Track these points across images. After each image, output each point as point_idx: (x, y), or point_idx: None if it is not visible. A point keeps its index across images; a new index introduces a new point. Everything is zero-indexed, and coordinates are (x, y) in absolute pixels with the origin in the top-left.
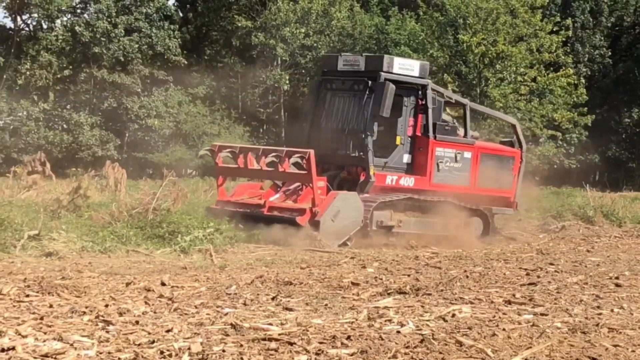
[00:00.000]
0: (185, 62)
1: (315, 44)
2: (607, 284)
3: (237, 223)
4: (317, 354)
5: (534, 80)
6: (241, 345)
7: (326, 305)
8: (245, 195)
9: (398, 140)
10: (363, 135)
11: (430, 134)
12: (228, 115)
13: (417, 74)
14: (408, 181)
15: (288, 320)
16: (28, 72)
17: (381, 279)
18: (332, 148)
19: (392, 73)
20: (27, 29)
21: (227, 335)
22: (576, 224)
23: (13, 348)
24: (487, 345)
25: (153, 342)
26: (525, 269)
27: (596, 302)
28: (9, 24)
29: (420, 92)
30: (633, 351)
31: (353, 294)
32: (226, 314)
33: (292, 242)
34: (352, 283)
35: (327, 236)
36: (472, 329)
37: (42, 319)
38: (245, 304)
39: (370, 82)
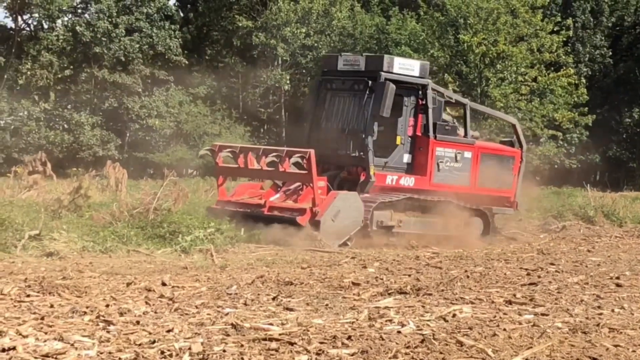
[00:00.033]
0: (186, 62)
1: (316, 44)
2: (607, 284)
3: (237, 223)
4: (317, 354)
5: (534, 80)
6: (242, 345)
7: (327, 305)
8: (246, 195)
9: (398, 140)
10: (363, 135)
11: (431, 133)
12: (229, 115)
13: (417, 74)
14: (408, 181)
15: (289, 320)
16: (29, 72)
17: (382, 279)
18: (332, 148)
19: (392, 73)
20: (28, 28)
21: (228, 335)
22: (577, 224)
23: (14, 348)
24: (487, 345)
25: (154, 342)
26: (526, 269)
27: (597, 302)
28: (9, 23)
29: (420, 92)
30: (634, 351)
31: (354, 294)
32: (227, 314)
33: (292, 242)
34: (353, 283)
35: (328, 236)
36: (472, 329)
37: (42, 319)
38: (245, 304)
39: (370, 82)
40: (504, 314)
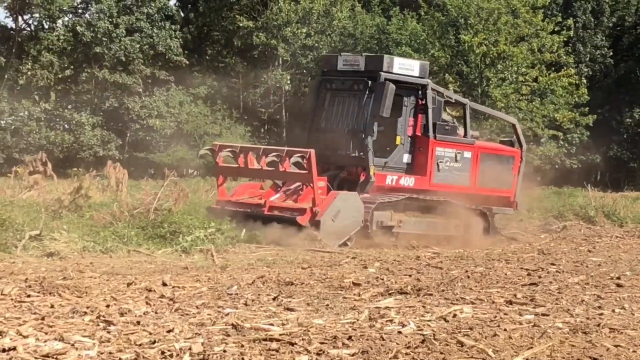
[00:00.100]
0: (187, 62)
1: (316, 44)
2: (608, 284)
3: (237, 223)
4: (318, 354)
5: (535, 80)
6: (242, 346)
7: (327, 305)
8: (246, 195)
9: (398, 140)
10: (363, 135)
11: (430, 133)
12: (229, 116)
13: (417, 74)
14: (408, 181)
15: (289, 320)
16: (29, 72)
17: (382, 279)
18: (332, 148)
19: (392, 73)
20: (28, 29)
21: (228, 335)
22: (577, 224)
23: (14, 348)
24: (488, 345)
25: (154, 342)
26: (527, 269)
27: (597, 302)
28: (10, 24)
29: (420, 92)
30: (634, 351)
31: (354, 294)
32: (227, 314)
33: (292, 242)
34: (354, 283)
35: (328, 236)
36: (473, 329)
37: (43, 319)
38: (246, 304)
39: (370, 82)
40: (505, 314)
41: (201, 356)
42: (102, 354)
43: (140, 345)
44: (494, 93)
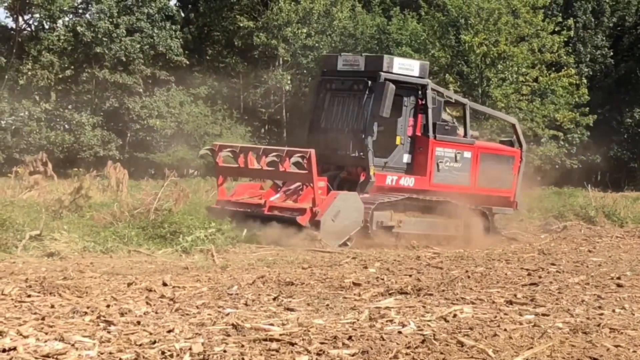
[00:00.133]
0: (187, 63)
1: (317, 44)
2: (608, 284)
3: (237, 223)
4: (318, 354)
5: (535, 80)
6: (242, 346)
7: (327, 305)
8: (246, 195)
9: (398, 140)
10: (363, 136)
11: (430, 133)
12: (230, 116)
13: (417, 74)
14: (408, 181)
15: (289, 320)
16: (30, 72)
17: (383, 279)
18: (332, 148)
19: (391, 73)
20: (28, 29)
21: (229, 335)
22: (578, 224)
23: (14, 348)
24: (488, 345)
25: (154, 342)
26: (527, 269)
27: (598, 302)
28: (10, 24)
29: (420, 92)
30: (634, 352)
31: (354, 294)
32: (227, 314)
33: (293, 242)
34: (354, 283)
35: (328, 236)
36: (473, 329)
37: (43, 319)
38: (246, 304)
39: (370, 82)
40: (505, 314)
41: (201, 356)
42: (102, 354)
43: (140, 345)
44: (494, 93)
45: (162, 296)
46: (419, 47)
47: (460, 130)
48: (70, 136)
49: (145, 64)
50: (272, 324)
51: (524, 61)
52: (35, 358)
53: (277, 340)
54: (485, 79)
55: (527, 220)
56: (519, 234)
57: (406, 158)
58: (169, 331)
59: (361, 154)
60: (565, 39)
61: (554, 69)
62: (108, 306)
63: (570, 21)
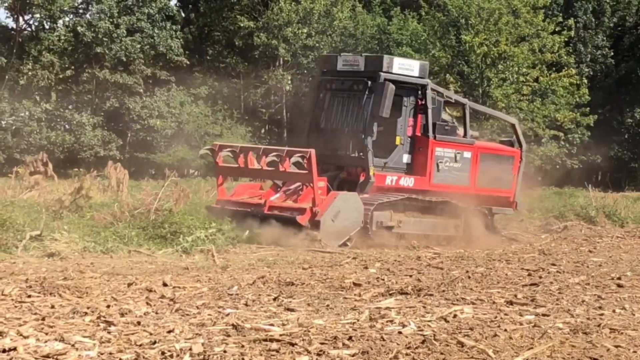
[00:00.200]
0: (188, 63)
1: (317, 44)
2: (609, 284)
3: (237, 223)
4: (318, 354)
5: (536, 80)
6: (242, 346)
7: (328, 305)
8: (245, 195)
9: (398, 140)
10: (363, 136)
11: (430, 134)
12: (230, 116)
13: (416, 74)
14: (408, 181)
15: (289, 320)
16: (30, 73)
17: (383, 280)
18: (331, 148)
19: (391, 73)
20: (29, 29)
21: (229, 335)
22: (578, 224)
23: (14, 349)
24: (488, 345)
25: (154, 342)
26: (527, 270)
27: (598, 302)
28: (11, 24)
29: (420, 92)
30: (634, 352)
31: (355, 295)
32: (228, 315)
33: (293, 242)
34: (354, 283)
35: (327, 236)
36: (473, 329)
37: (43, 319)
38: (246, 305)
39: (369, 83)
40: (505, 314)
41: (201, 356)
42: (102, 354)
43: (140, 345)
44: (494, 93)
45: (163, 296)
46: (419, 47)
47: (460, 131)
48: (71, 136)
49: (146, 64)
50: (272, 324)
51: (524, 61)
52: (35, 358)
53: (277, 340)
54: (485, 79)
55: (527, 221)
56: (520, 234)
57: (406, 158)
58: (169, 331)
59: (361, 154)
60: (566, 39)
61: (554, 69)
62: (108, 306)
63: (571, 21)
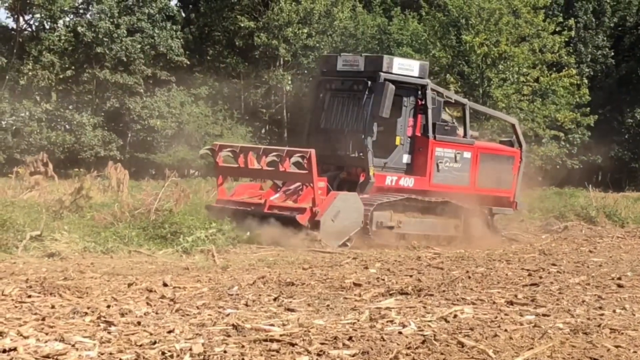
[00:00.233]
0: (188, 63)
1: (317, 45)
2: (609, 284)
3: (237, 223)
4: (318, 354)
5: (536, 80)
6: (243, 346)
7: (328, 306)
8: (245, 195)
9: (398, 140)
10: (362, 136)
11: (430, 134)
12: (230, 116)
13: (416, 74)
14: (408, 181)
15: (290, 321)
16: (30, 73)
17: (383, 280)
18: (331, 148)
19: (391, 73)
20: (29, 29)
21: (229, 336)
22: (579, 224)
23: (15, 349)
24: (488, 346)
25: (155, 342)
26: (528, 270)
27: (598, 302)
28: (11, 24)
29: (419, 92)
30: (635, 352)
31: (355, 295)
32: (228, 315)
33: (293, 242)
34: (354, 284)
35: (327, 236)
36: (474, 329)
37: (43, 319)
38: (247, 305)
39: (369, 83)
40: (505, 314)
41: (202, 357)
42: (102, 354)
43: (140, 345)
44: (495, 93)
45: (163, 297)
46: (419, 47)
47: (460, 131)
48: (71, 136)
49: (146, 64)
50: (272, 325)
51: (524, 61)
52: (36, 358)
53: (278, 340)
54: (486, 79)
55: (527, 221)
56: (520, 234)
57: (406, 158)
58: (170, 331)
59: (361, 154)
60: (566, 39)
61: (554, 69)
62: (108, 306)
63: (571, 21)
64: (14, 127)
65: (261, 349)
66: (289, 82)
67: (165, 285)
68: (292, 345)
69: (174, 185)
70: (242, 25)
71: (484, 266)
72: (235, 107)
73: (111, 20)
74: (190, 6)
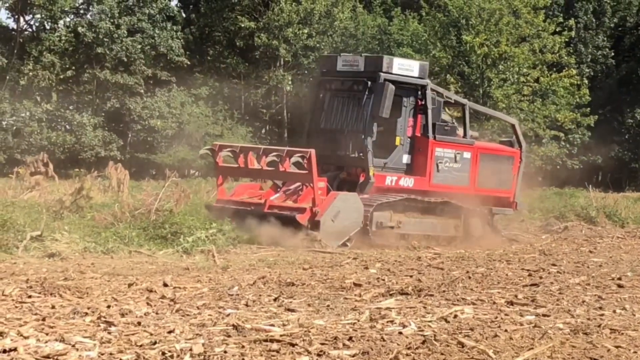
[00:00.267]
0: (188, 63)
1: (318, 45)
2: (609, 284)
3: (237, 222)
4: (318, 355)
5: (536, 80)
6: (243, 347)
7: (328, 306)
8: (245, 195)
9: (397, 140)
10: (362, 136)
11: (430, 134)
12: (231, 116)
13: (416, 74)
14: (407, 182)
15: (290, 321)
16: (31, 73)
17: (383, 280)
18: (331, 149)
19: (391, 73)
20: (30, 29)
21: (229, 336)
22: (579, 224)
23: (15, 349)
24: (488, 346)
25: (155, 343)
26: (528, 270)
27: (598, 303)
28: (11, 24)
29: (419, 93)
30: (635, 352)
31: (355, 295)
32: (228, 315)
33: (293, 242)
34: (355, 284)
35: (327, 236)
36: (474, 330)
37: (44, 320)
38: (247, 305)
39: (369, 83)
40: (506, 314)
41: (202, 357)
42: (102, 354)
43: (141, 346)
44: (495, 94)
45: (163, 297)
46: (420, 47)
47: (460, 131)
48: (72, 137)
49: (147, 64)
50: (272, 325)
51: (525, 62)
52: (36, 359)
53: (278, 341)
54: (486, 79)
55: (528, 221)
56: (520, 234)
57: (406, 159)
58: (170, 332)
59: (361, 154)
60: (567, 40)
61: (555, 69)
62: (109, 307)
63: (571, 22)
64: (15, 128)
65: (261, 349)
66: (289, 83)
67: (165, 285)
68: (292, 345)
69: (174, 186)
70: (243, 25)
71: (484, 266)
72: (236, 107)
73: (111, 20)
74: (191, 6)
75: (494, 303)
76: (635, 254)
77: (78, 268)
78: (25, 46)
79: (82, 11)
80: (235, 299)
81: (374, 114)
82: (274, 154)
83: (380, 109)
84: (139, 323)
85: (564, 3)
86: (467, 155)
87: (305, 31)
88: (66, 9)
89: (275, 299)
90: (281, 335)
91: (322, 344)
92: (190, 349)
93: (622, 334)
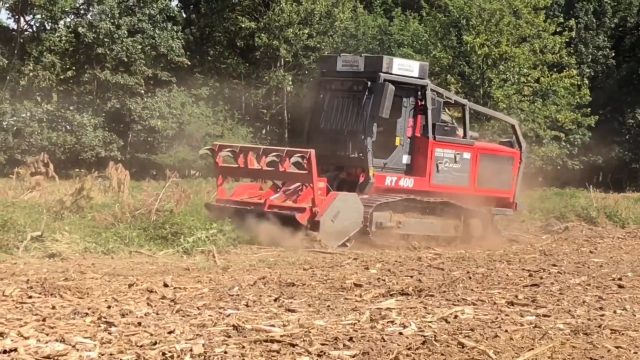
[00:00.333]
0: (189, 63)
1: (318, 45)
2: (610, 285)
3: (237, 222)
4: (319, 355)
5: (537, 81)
6: (243, 347)
7: (328, 306)
8: (245, 195)
9: (397, 141)
10: (362, 136)
11: (430, 134)
12: (231, 117)
13: (416, 75)
14: (407, 182)
15: (290, 321)
16: (31, 73)
17: (384, 280)
18: (331, 149)
19: (391, 74)
20: (30, 30)
21: (229, 336)
22: (579, 225)
23: (15, 349)
24: (489, 346)
25: (155, 343)
26: (528, 270)
27: (599, 303)
28: (12, 25)
29: (419, 93)
30: (635, 352)
31: (355, 295)
32: (228, 316)
33: (294, 243)
34: (355, 284)
35: (327, 237)
36: (474, 330)
37: (44, 320)
38: (247, 305)
39: (369, 83)
40: (506, 315)
41: (202, 357)
42: (103, 355)
43: (141, 346)
44: (495, 94)
45: (163, 297)
46: (420, 47)
47: (460, 131)
48: (72, 137)
49: (147, 64)
50: (273, 325)
51: (525, 62)
52: (36, 359)
53: (278, 341)
54: (486, 79)
55: (528, 221)
56: (520, 234)
57: (405, 159)
58: (170, 332)
59: (360, 154)
60: (567, 40)
61: (555, 69)
62: (109, 307)
63: (572, 22)
64: (15, 128)
65: (262, 350)
66: (290, 83)
67: (165, 285)
68: (293, 345)
69: (174, 186)
70: (243, 26)
71: (484, 267)
72: (236, 107)
73: (112, 21)
74: (191, 7)
75: (495, 303)
76: (635, 255)
77: (78, 268)
78: (25, 46)
79: (82, 11)
80: (235, 299)
81: (374, 114)
82: (274, 154)
83: (380, 109)
84: (140, 323)
85: (565, 3)
86: (467, 155)
87: (306, 31)
88: (66, 9)
89: (275, 300)
90: (281, 336)
91: (323, 344)
92: (191, 350)
93: (623, 334)
